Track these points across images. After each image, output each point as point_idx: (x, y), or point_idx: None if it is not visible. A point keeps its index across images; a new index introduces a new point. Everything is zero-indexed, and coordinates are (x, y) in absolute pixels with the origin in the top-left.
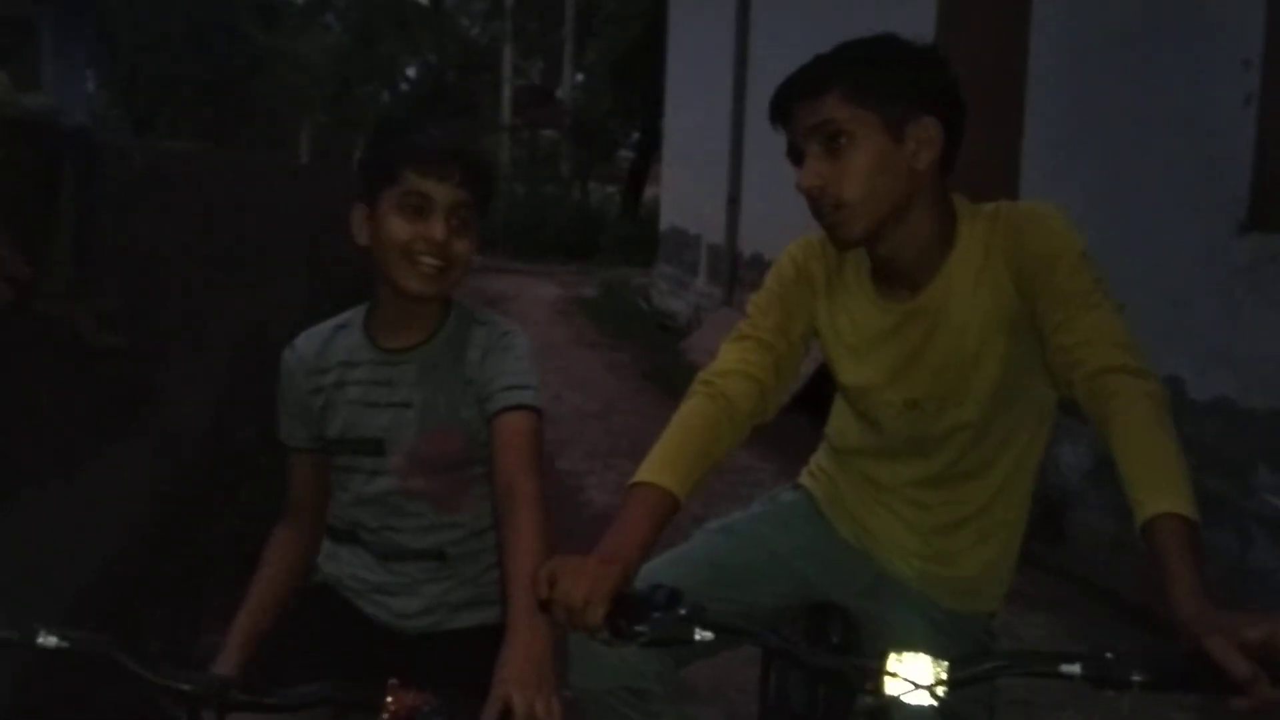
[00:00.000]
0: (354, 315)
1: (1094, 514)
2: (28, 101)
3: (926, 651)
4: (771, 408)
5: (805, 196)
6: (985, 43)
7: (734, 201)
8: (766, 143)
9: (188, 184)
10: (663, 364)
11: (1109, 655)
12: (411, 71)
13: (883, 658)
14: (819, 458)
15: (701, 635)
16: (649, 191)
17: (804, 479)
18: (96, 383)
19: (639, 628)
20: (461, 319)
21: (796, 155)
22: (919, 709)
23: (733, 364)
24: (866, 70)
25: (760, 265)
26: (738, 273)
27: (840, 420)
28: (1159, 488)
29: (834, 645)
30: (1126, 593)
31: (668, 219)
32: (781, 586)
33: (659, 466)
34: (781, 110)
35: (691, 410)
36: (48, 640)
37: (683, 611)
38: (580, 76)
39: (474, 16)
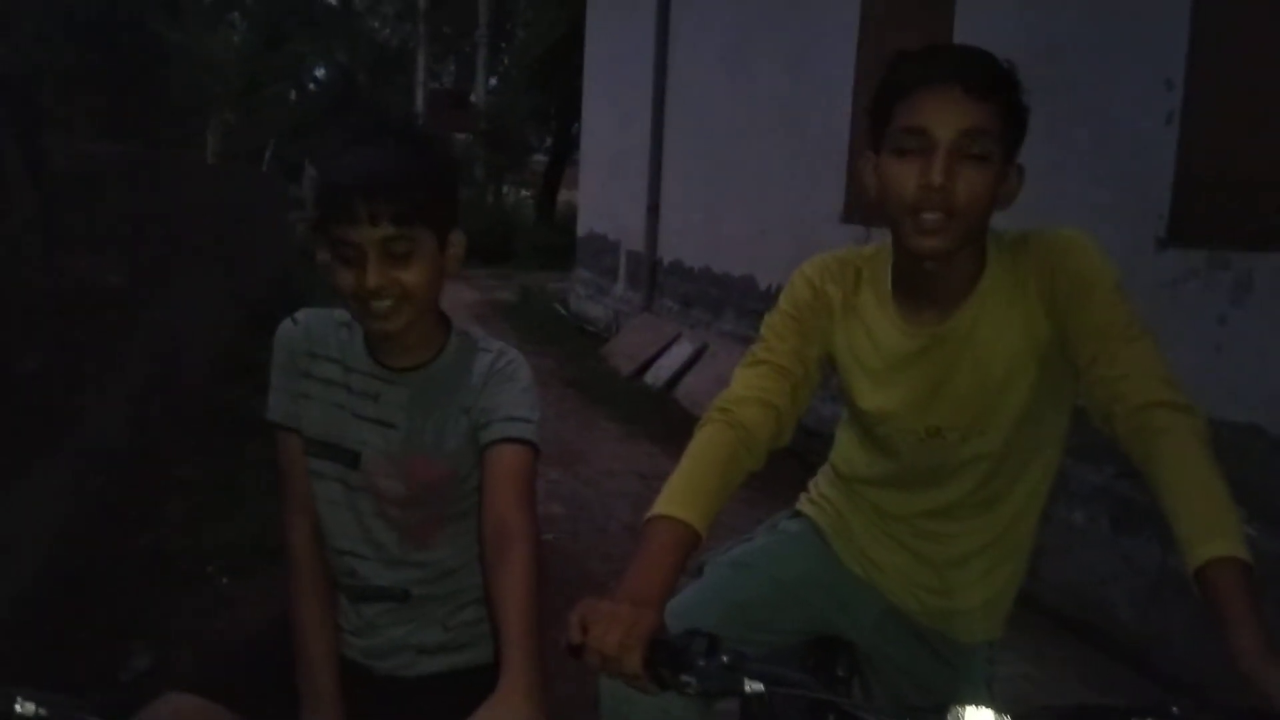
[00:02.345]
0: (354, 318)
1: None
2: None
3: (933, 685)
4: (788, 434)
5: (915, 191)
6: None
7: (654, 209)
8: (686, 151)
9: (107, 187)
10: (585, 370)
11: (1175, 710)
12: (321, 73)
13: (941, 713)
14: (820, 485)
15: (752, 687)
16: (562, 196)
17: (805, 506)
18: (15, 399)
19: (685, 677)
20: (464, 345)
21: (915, 140)
22: None
23: (748, 390)
24: (1014, 96)
25: (680, 272)
26: (657, 279)
27: (848, 448)
28: (1212, 530)
29: (839, 679)
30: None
31: (586, 225)
32: (793, 622)
33: (678, 499)
34: (921, 88)
35: (708, 439)
36: (25, 707)
37: (725, 660)
38: (494, 81)
39: (385, 19)
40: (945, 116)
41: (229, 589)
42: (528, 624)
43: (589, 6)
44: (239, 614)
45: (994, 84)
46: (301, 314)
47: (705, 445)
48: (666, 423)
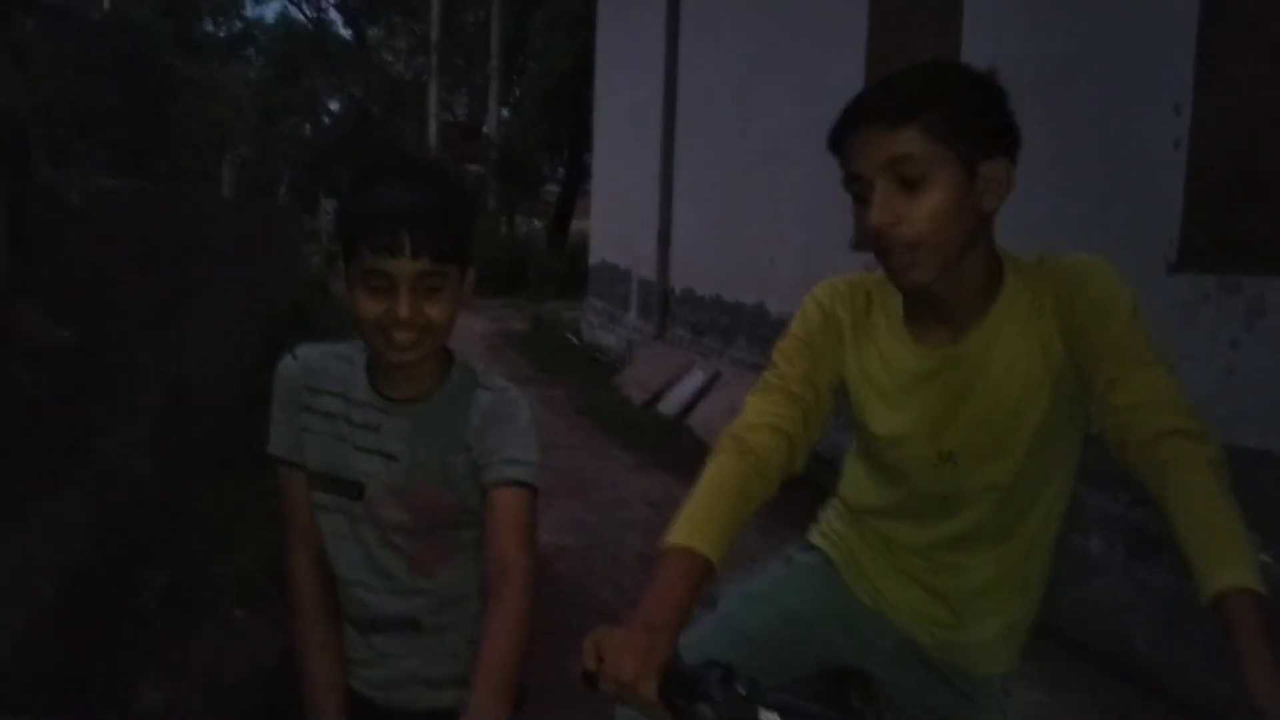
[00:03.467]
0: (354, 351)
1: None
2: None
3: (950, 716)
4: (800, 460)
5: (872, 234)
6: None
7: (664, 238)
8: (696, 180)
9: (123, 222)
10: (598, 399)
11: None
12: (335, 106)
13: None
14: (830, 518)
15: (768, 717)
16: (575, 225)
17: (816, 539)
18: (29, 428)
19: (700, 706)
20: (465, 379)
21: (857, 186)
22: None
23: (760, 417)
24: (949, 104)
25: (691, 300)
26: (669, 307)
27: (857, 478)
28: (1226, 561)
29: (855, 710)
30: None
31: (598, 254)
32: (808, 654)
33: (691, 529)
34: (848, 136)
35: (721, 468)
36: None
37: (741, 689)
38: (506, 112)
39: (398, 52)
40: (867, 157)
41: (243, 621)
42: (503, 672)
43: (599, 37)
44: (252, 646)
45: (909, 105)
46: (301, 349)
47: (717, 474)
48: (679, 452)
